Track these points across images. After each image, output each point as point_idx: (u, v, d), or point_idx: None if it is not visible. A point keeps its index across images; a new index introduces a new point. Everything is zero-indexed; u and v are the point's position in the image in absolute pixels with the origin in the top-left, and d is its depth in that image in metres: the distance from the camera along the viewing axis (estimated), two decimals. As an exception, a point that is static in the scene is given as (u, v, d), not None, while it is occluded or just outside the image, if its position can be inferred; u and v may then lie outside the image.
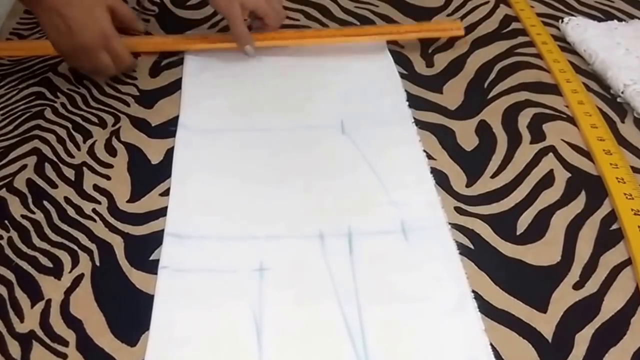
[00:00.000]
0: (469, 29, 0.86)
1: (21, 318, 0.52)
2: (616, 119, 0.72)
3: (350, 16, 0.89)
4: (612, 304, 0.53)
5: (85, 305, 0.53)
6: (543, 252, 0.57)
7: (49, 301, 0.53)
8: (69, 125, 0.71)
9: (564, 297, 0.54)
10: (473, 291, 0.54)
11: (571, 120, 0.71)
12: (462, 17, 0.88)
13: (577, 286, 0.55)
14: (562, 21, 0.85)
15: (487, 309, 0.53)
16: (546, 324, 0.52)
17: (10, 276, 0.55)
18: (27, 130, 0.70)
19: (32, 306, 0.53)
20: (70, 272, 0.56)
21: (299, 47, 0.82)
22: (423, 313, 0.52)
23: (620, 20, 0.86)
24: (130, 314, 0.52)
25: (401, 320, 0.52)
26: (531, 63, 0.80)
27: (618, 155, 0.66)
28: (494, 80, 0.77)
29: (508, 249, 0.58)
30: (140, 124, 0.71)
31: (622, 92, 0.74)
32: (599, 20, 0.86)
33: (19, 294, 0.54)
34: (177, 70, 0.79)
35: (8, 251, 0.57)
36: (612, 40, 0.80)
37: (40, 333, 0.51)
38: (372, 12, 0.89)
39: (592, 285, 0.55)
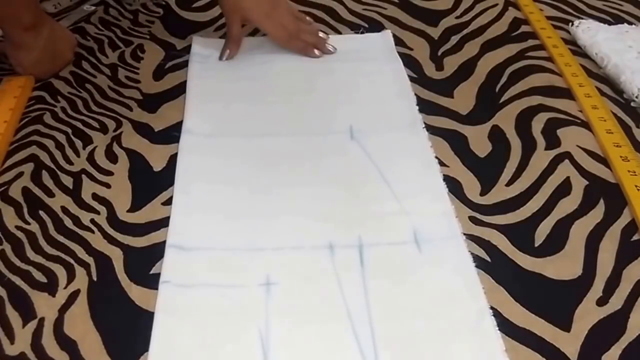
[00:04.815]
0: (479, 31, 0.81)
1: (11, 339, 0.47)
2: (631, 123, 0.67)
3: (358, 18, 0.83)
4: (638, 321, 0.48)
5: (80, 324, 0.48)
6: (563, 265, 0.53)
7: (41, 320, 0.48)
8: (69, 131, 0.65)
9: (587, 314, 0.49)
10: (491, 307, 0.49)
11: (586, 125, 0.67)
12: (471, 20, 0.83)
13: (601, 302, 0.50)
14: (572, 24, 0.81)
15: (507, 327, 0.48)
16: (570, 344, 0.47)
17: (2, 292, 0.50)
18: (25, 136, 0.65)
19: (24, 325, 0.48)
20: (65, 287, 0.50)
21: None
22: (439, 331, 0.48)
23: (630, 23, 0.82)
24: (129, 334, 0.47)
25: (415, 338, 0.47)
26: (542, 67, 0.75)
27: (636, 162, 0.61)
28: (506, 84, 0.72)
29: (527, 261, 0.53)
30: (143, 129, 0.66)
31: (637, 97, 0.69)
32: (609, 23, 0.81)
33: (10, 312, 0.49)
34: (182, 73, 0.73)
35: (0, 265, 0.52)
36: (623, 43, 0.76)
37: (31, 355, 0.46)
38: (380, 15, 0.84)
39: (616, 301, 0.50)
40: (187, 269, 0.51)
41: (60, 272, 0.51)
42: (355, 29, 0.81)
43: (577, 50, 0.77)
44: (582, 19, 0.82)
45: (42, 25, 0.69)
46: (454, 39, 0.79)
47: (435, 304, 0.49)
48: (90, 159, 0.62)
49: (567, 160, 0.62)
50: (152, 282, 0.50)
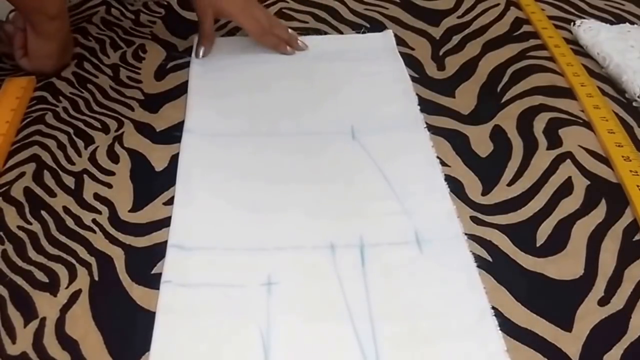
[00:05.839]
0: (480, 31, 0.81)
1: (13, 338, 0.46)
2: (633, 123, 0.66)
3: (360, 18, 0.83)
4: (639, 321, 0.48)
5: (81, 324, 0.47)
6: (565, 265, 0.52)
7: (43, 320, 0.48)
8: (71, 131, 0.65)
9: (589, 314, 0.49)
10: (492, 307, 0.48)
11: (587, 125, 0.66)
12: (473, 20, 0.83)
13: (602, 302, 0.50)
14: (574, 24, 0.80)
15: (508, 327, 0.48)
16: (572, 344, 0.47)
17: (3, 292, 0.50)
18: (26, 136, 0.64)
19: (25, 325, 0.47)
20: (67, 287, 0.50)
21: (307, 51, 0.76)
22: (440, 331, 0.47)
23: (632, 23, 0.81)
24: (130, 334, 0.47)
25: (416, 339, 0.47)
26: (544, 66, 0.74)
27: (637, 162, 0.61)
28: (507, 84, 0.72)
29: (528, 261, 0.53)
30: (144, 129, 0.66)
31: (638, 97, 0.69)
32: (611, 23, 0.81)
33: (12, 311, 0.48)
34: (183, 74, 0.73)
35: (2, 265, 0.51)
36: (625, 43, 0.75)
37: (32, 355, 0.45)
38: (381, 14, 0.84)
39: (618, 301, 0.50)
40: (188, 268, 0.51)
41: (62, 272, 0.51)
42: (357, 28, 0.81)
43: (579, 50, 0.77)
44: (583, 18, 0.81)
45: (65, 17, 0.69)
46: (456, 39, 0.79)
47: (436, 303, 0.49)
48: (92, 159, 0.62)
49: (568, 160, 0.62)
50: (153, 282, 0.50)
